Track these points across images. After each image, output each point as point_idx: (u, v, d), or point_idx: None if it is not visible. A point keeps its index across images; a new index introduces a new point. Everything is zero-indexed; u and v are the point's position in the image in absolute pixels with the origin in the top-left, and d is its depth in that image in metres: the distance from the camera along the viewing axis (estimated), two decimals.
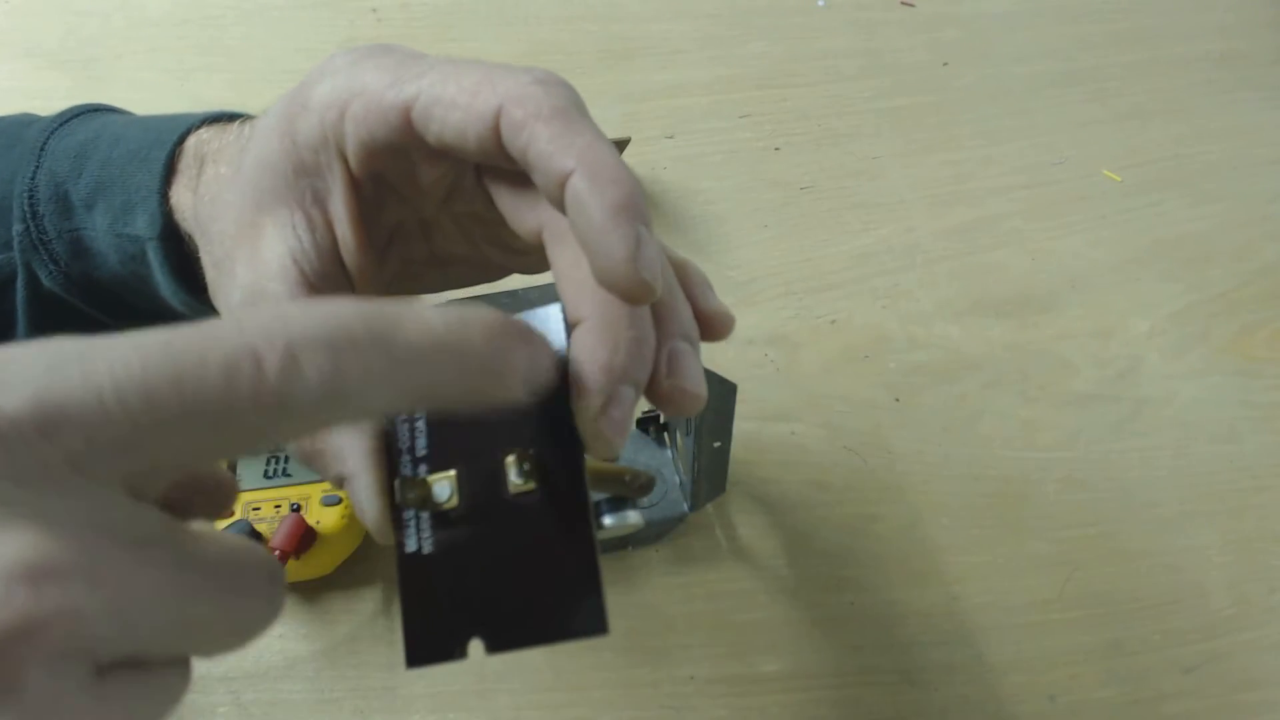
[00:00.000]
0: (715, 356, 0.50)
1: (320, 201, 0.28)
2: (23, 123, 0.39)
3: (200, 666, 0.39)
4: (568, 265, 0.26)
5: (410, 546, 0.24)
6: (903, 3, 0.72)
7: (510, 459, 0.24)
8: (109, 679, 0.17)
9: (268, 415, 0.17)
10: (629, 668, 0.40)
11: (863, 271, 0.55)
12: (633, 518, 0.39)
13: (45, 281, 0.37)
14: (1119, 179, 0.61)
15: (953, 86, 0.66)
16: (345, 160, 0.27)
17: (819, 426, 0.48)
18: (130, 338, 0.18)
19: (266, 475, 0.41)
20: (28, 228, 0.36)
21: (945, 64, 0.68)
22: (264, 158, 0.28)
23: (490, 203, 0.28)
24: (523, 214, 0.27)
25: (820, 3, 0.72)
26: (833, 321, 0.53)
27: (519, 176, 0.26)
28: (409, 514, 0.24)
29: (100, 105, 0.40)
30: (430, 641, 0.23)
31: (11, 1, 0.67)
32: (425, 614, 0.23)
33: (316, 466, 0.27)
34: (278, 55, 0.64)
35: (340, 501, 0.40)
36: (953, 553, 0.44)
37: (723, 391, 0.36)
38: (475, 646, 0.22)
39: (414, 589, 0.24)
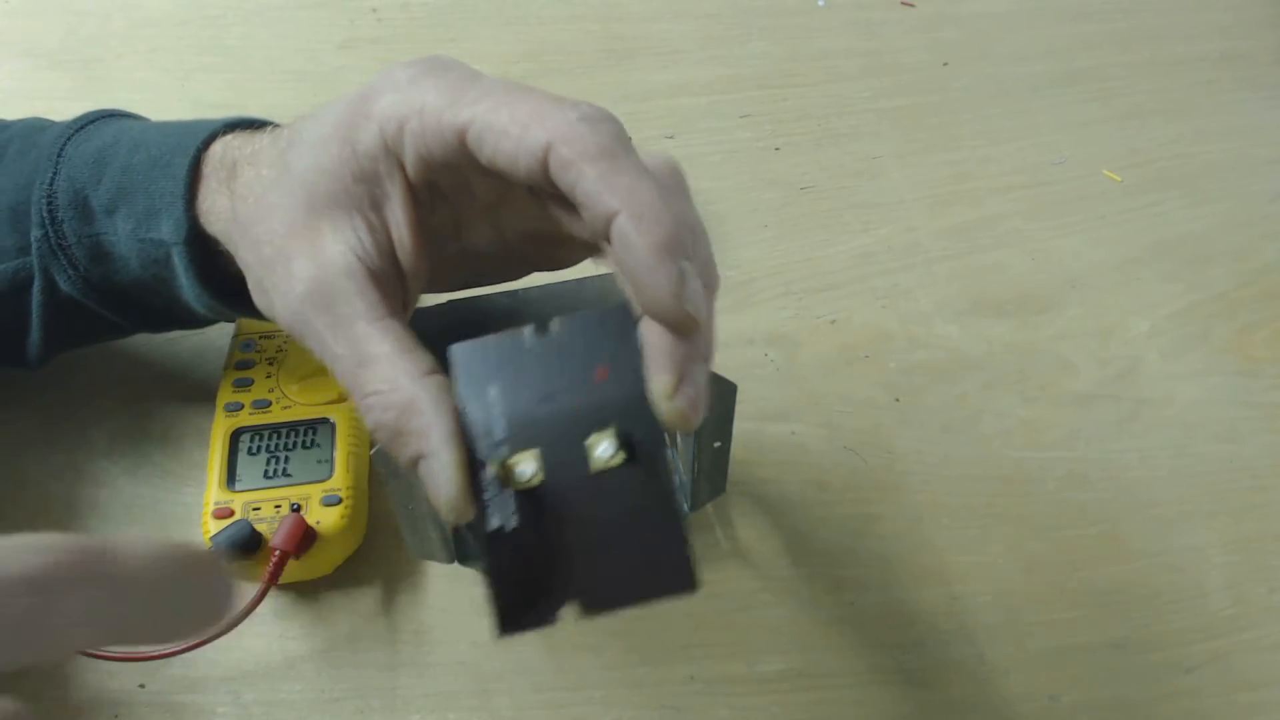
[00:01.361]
0: (716, 357, 0.50)
1: (377, 206, 0.29)
2: (35, 128, 0.40)
3: (200, 667, 0.39)
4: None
5: (494, 524, 0.26)
6: (903, 3, 0.72)
7: (593, 438, 0.25)
8: None
9: None
10: (629, 668, 0.40)
11: (863, 271, 0.55)
12: None
13: (63, 286, 0.37)
14: (1119, 179, 0.61)
15: (953, 86, 0.66)
16: (404, 170, 0.28)
17: (819, 426, 0.48)
18: None
19: (266, 475, 0.41)
20: (46, 233, 0.36)
21: (945, 64, 0.68)
22: (321, 163, 0.29)
23: (539, 209, 0.29)
24: (575, 221, 0.28)
25: (820, 3, 0.72)
26: (833, 321, 0.53)
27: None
28: (490, 494, 0.26)
29: (114, 111, 0.40)
30: (520, 611, 0.25)
31: (11, 1, 0.67)
32: (513, 586, 0.25)
33: (397, 445, 0.27)
34: (278, 55, 0.64)
35: (340, 501, 0.40)
36: (953, 553, 0.44)
37: (723, 391, 0.36)
38: (567, 612, 0.24)
39: (501, 563, 0.25)
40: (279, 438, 0.42)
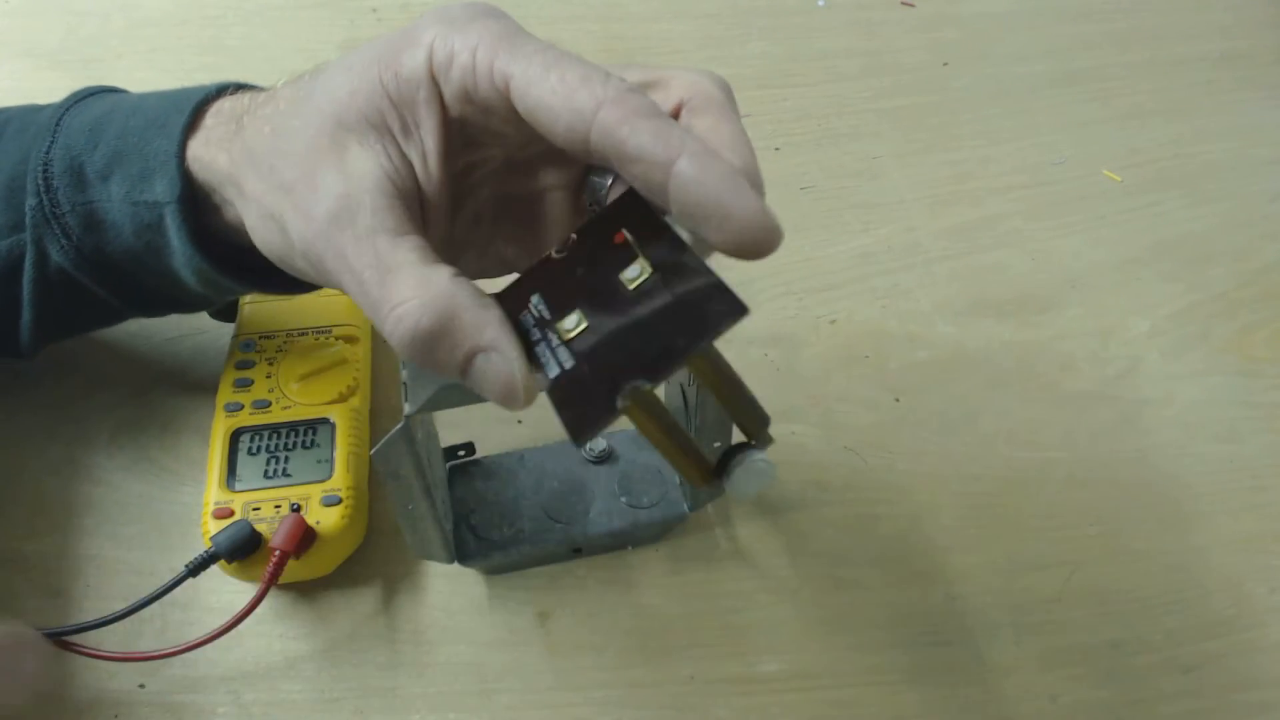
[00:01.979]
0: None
1: (408, 133, 0.29)
2: (33, 109, 0.40)
3: (200, 667, 0.39)
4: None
5: (553, 372, 0.26)
6: (903, 3, 0.72)
7: (624, 272, 0.27)
8: None
9: None
10: (629, 668, 0.40)
11: (863, 271, 0.55)
12: (759, 465, 0.30)
13: (55, 257, 0.37)
14: (1119, 179, 0.61)
15: (953, 86, 0.66)
16: (443, 101, 0.29)
17: (819, 426, 0.48)
18: None
19: (266, 475, 0.41)
20: (41, 201, 0.36)
21: (945, 64, 0.68)
22: (355, 85, 0.29)
23: (551, 170, 0.32)
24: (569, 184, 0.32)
25: (820, 3, 0.72)
26: (833, 321, 0.53)
27: None
28: (542, 346, 0.27)
29: (113, 87, 0.40)
30: (588, 414, 0.25)
31: (11, 1, 0.67)
32: (577, 400, 0.26)
33: (445, 348, 0.27)
34: (278, 55, 0.64)
35: (340, 501, 0.40)
36: (953, 553, 0.44)
37: None
38: (633, 394, 0.25)
39: (562, 392, 0.26)
40: (279, 438, 0.42)
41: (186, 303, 0.41)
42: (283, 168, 0.30)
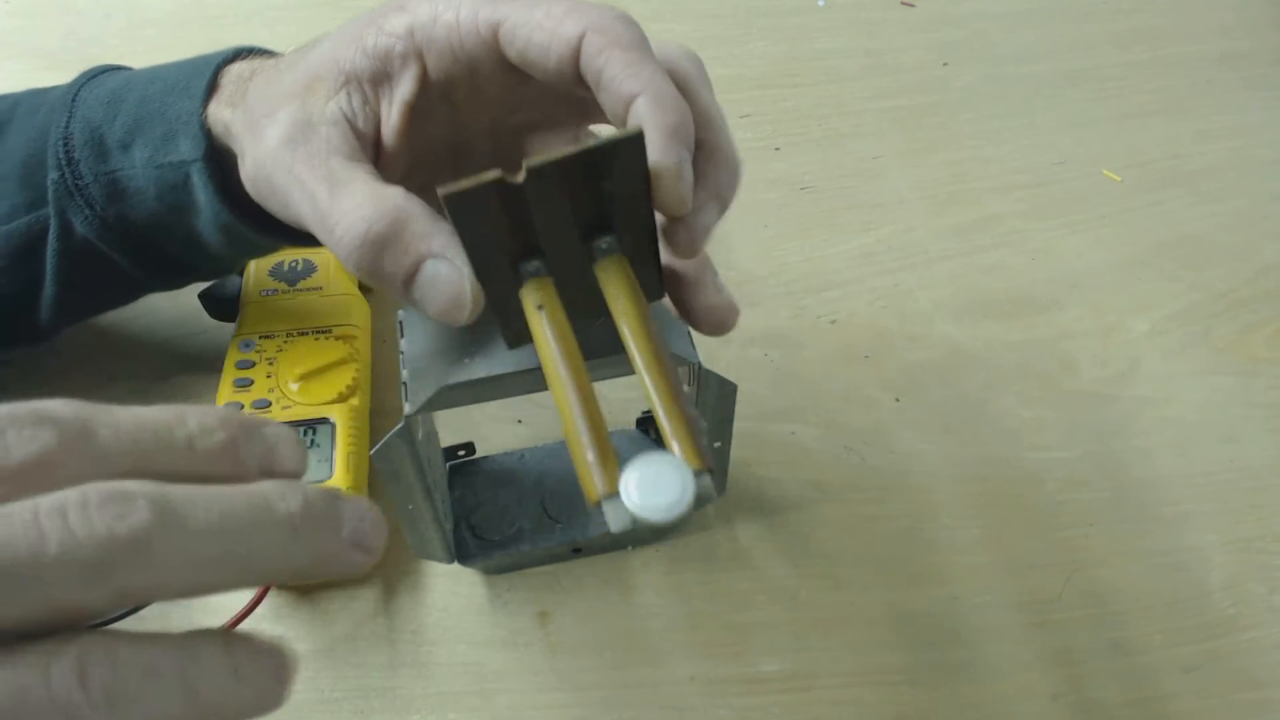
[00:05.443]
0: (715, 356, 0.50)
1: (377, 83, 0.30)
2: (38, 92, 0.41)
3: None
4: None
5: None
6: (903, 3, 0.72)
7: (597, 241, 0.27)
8: None
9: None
10: (629, 668, 0.40)
11: (863, 271, 0.55)
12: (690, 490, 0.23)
13: (80, 228, 0.38)
14: (1119, 179, 0.61)
15: (953, 86, 0.66)
16: (422, 62, 0.29)
17: (819, 426, 0.48)
18: None
19: None
20: (63, 174, 0.37)
21: (945, 64, 0.68)
22: (338, 40, 0.30)
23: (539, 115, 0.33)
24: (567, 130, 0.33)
25: (820, 3, 0.72)
26: (833, 321, 0.52)
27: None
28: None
29: (121, 65, 0.41)
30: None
31: (12, 2, 0.67)
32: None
33: (393, 255, 0.27)
34: None
35: None
36: (953, 553, 0.44)
37: (723, 392, 0.36)
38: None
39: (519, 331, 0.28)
40: None
41: (206, 269, 0.43)
42: (257, 108, 0.31)
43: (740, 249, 0.55)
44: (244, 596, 0.38)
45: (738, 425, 0.38)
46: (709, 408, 0.37)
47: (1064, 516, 0.46)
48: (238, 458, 0.21)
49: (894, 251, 0.56)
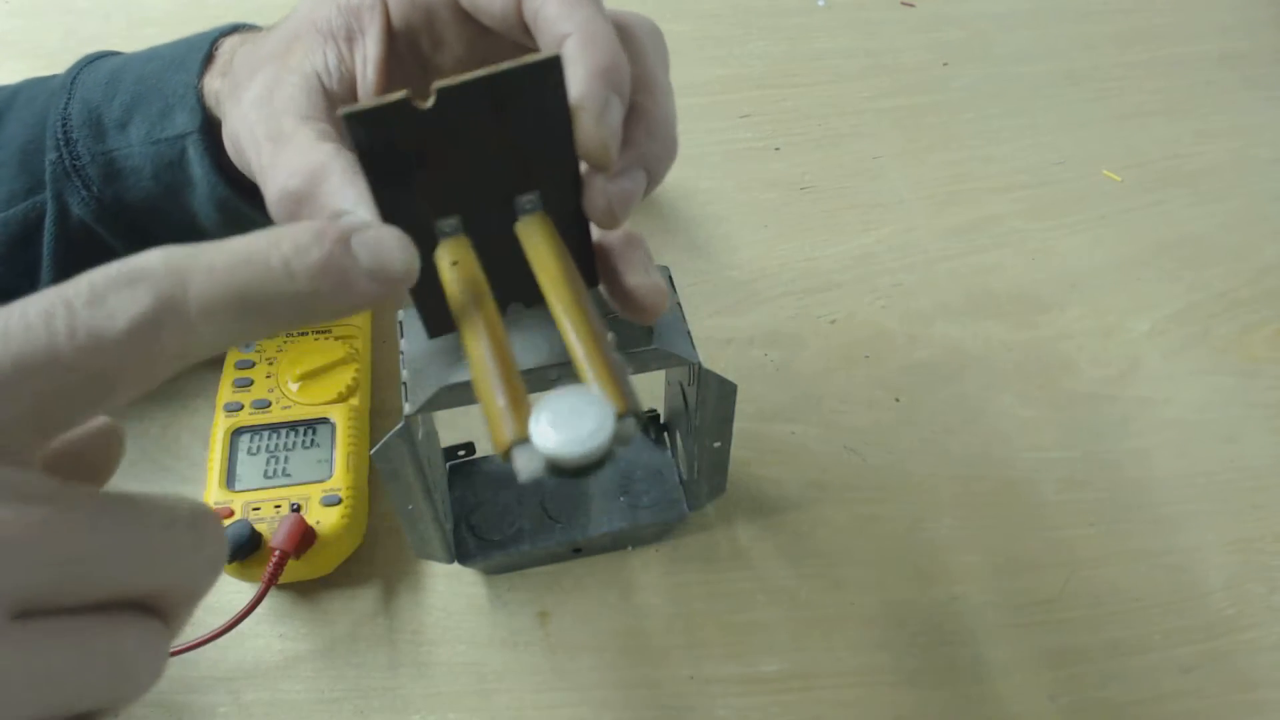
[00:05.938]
0: (715, 357, 0.50)
1: (351, 39, 0.31)
2: (39, 80, 0.42)
3: (200, 667, 0.39)
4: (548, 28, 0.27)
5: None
6: (903, 3, 0.72)
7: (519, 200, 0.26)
8: (28, 625, 0.17)
9: (86, 350, 0.18)
10: (629, 668, 0.40)
11: (863, 271, 0.55)
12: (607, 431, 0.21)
13: (76, 210, 0.38)
14: (1119, 179, 0.61)
15: (953, 86, 0.66)
16: (386, 9, 0.30)
17: (819, 426, 0.48)
18: None
19: (266, 475, 0.41)
20: (60, 155, 0.38)
21: (945, 64, 0.68)
22: (316, 3, 0.31)
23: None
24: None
25: (820, 3, 0.72)
26: (833, 321, 0.52)
27: None
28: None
29: (121, 52, 0.42)
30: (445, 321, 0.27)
31: (12, 2, 0.67)
32: (438, 306, 0.26)
33: (305, 213, 0.27)
34: None
35: (340, 501, 0.40)
36: (953, 553, 0.44)
37: (723, 392, 0.36)
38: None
39: (426, 294, 0.27)
40: (279, 438, 0.42)
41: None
42: (240, 74, 0.32)
43: (740, 249, 0.55)
44: (245, 596, 0.38)
45: (738, 425, 0.38)
46: (709, 408, 0.37)
47: (1063, 516, 0.46)
48: (340, 268, 0.20)
49: (894, 251, 0.56)
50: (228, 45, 0.37)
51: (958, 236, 0.57)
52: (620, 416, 0.21)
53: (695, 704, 0.40)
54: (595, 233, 0.28)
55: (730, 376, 0.35)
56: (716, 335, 0.51)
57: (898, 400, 0.49)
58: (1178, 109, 0.65)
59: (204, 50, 0.37)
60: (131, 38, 0.65)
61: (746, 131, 0.62)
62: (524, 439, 0.20)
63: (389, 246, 0.21)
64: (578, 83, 0.25)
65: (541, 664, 0.40)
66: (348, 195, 0.26)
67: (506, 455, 0.21)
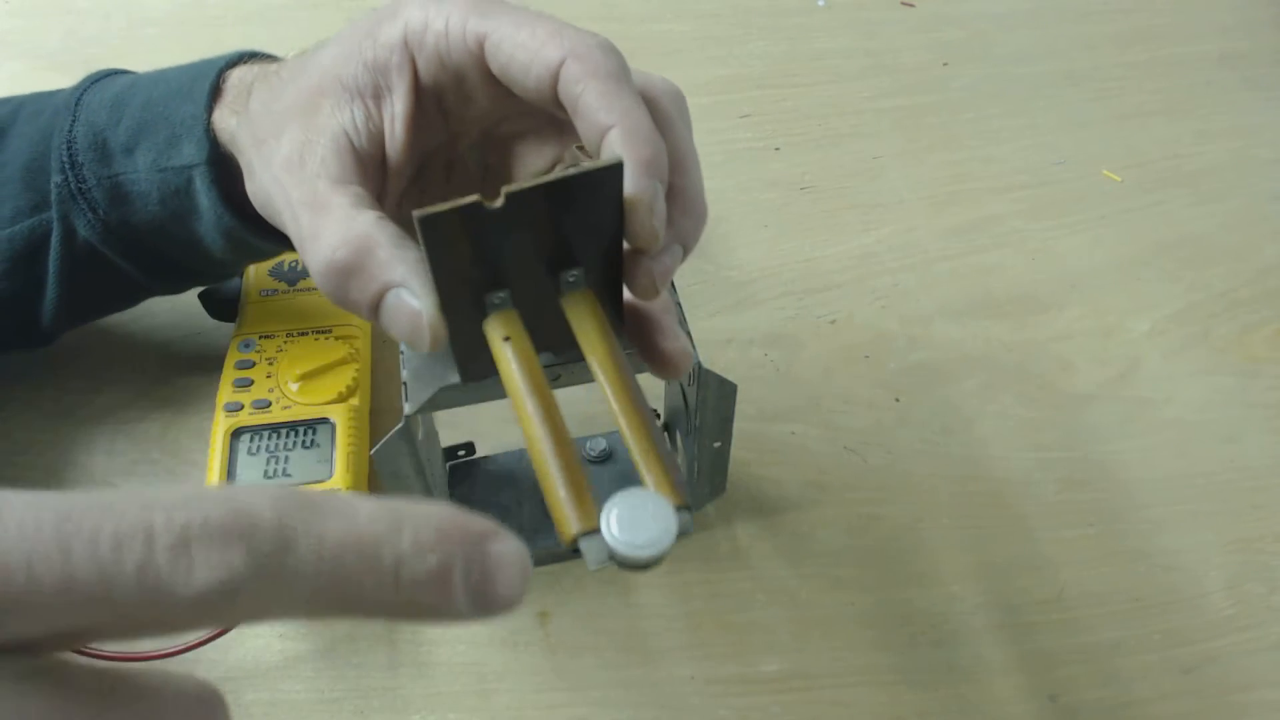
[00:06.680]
0: (715, 357, 0.50)
1: (379, 96, 0.30)
2: (42, 95, 0.42)
3: (200, 667, 0.39)
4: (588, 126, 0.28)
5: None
6: (903, 3, 0.72)
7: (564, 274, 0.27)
8: None
9: (149, 599, 0.15)
10: (629, 668, 0.40)
11: (863, 271, 0.55)
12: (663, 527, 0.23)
13: (82, 232, 0.38)
14: (1119, 179, 0.61)
15: (953, 86, 0.66)
16: (415, 67, 0.30)
17: (819, 426, 0.48)
18: (27, 499, 0.15)
19: (266, 475, 0.41)
20: (66, 178, 0.38)
21: (945, 64, 0.68)
22: (338, 53, 0.31)
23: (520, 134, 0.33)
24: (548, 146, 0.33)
25: (820, 3, 0.72)
26: (833, 321, 0.53)
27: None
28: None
29: (125, 70, 0.41)
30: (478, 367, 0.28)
31: (12, 2, 0.67)
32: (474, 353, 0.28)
33: (358, 283, 0.27)
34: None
35: None
36: (953, 553, 0.44)
37: (723, 392, 0.36)
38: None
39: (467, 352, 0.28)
40: (279, 437, 0.42)
41: (208, 273, 0.43)
42: (262, 123, 0.32)
43: (740, 249, 0.55)
44: None
45: (738, 425, 0.38)
46: (709, 408, 0.37)
47: (1063, 516, 0.46)
48: (447, 585, 0.17)
49: (894, 251, 0.56)
50: (237, 77, 0.36)
51: (957, 237, 0.57)
52: (678, 509, 0.22)
53: (695, 704, 0.40)
54: (627, 293, 0.29)
55: (730, 377, 0.35)
56: (716, 335, 0.51)
57: (897, 400, 0.49)
58: (1178, 109, 0.65)
59: (211, 79, 0.36)
60: (131, 38, 0.65)
61: (746, 131, 0.62)
62: (590, 531, 0.22)
63: (510, 571, 0.18)
64: (629, 178, 0.26)
65: (541, 664, 0.40)
66: (397, 270, 0.27)
67: (572, 543, 0.23)
